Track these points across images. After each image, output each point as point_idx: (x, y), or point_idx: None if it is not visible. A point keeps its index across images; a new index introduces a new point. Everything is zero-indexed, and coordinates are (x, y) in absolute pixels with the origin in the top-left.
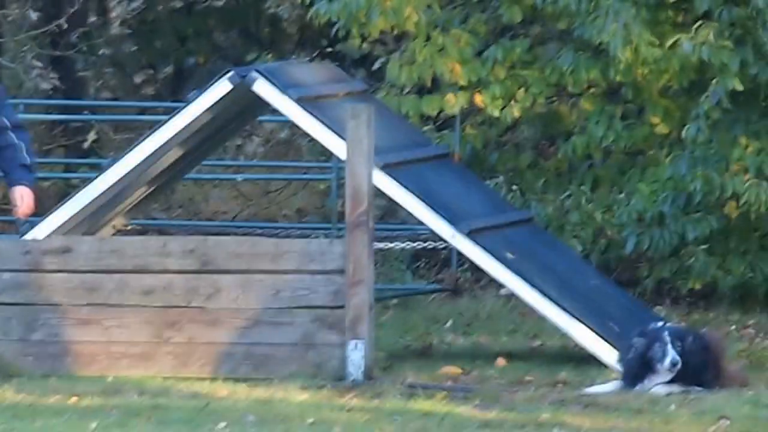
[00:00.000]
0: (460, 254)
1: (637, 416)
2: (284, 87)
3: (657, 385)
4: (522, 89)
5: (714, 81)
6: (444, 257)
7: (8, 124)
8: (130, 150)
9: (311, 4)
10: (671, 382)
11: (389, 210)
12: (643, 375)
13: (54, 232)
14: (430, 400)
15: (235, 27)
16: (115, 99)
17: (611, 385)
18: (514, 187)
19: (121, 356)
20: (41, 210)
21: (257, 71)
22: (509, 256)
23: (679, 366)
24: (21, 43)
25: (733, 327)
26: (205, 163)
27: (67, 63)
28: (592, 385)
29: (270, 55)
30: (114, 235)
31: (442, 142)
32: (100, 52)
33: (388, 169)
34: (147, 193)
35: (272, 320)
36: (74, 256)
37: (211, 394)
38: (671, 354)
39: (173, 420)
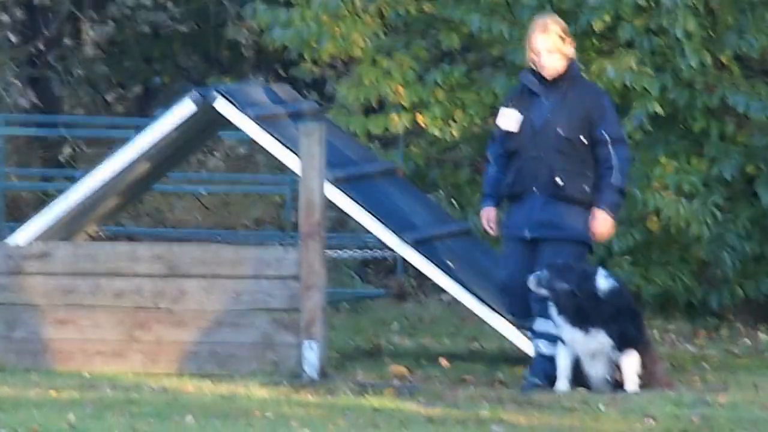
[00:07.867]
0: (405, 262)
1: (568, 414)
2: (243, 106)
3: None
4: (460, 110)
5: (636, 105)
6: (390, 265)
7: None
8: (102, 164)
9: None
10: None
11: (340, 221)
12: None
13: (33, 238)
14: (379, 397)
15: (198, 50)
16: (89, 115)
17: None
18: (454, 201)
19: (95, 353)
20: (22, 217)
21: (218, 91)
22: (450, 264)
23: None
24: (1, 63)
25: (656, 332)
26: (170, 175)
27: (44, 82)
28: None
29: (229, 77)
30: (87, 241)
31: (387, 159)
32: (75, 72)
33: (338, 182)
34: (118, 202)
35: (233, 321)
36: (52, 260)
37: (178, 390)
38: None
39: (144, 413)
